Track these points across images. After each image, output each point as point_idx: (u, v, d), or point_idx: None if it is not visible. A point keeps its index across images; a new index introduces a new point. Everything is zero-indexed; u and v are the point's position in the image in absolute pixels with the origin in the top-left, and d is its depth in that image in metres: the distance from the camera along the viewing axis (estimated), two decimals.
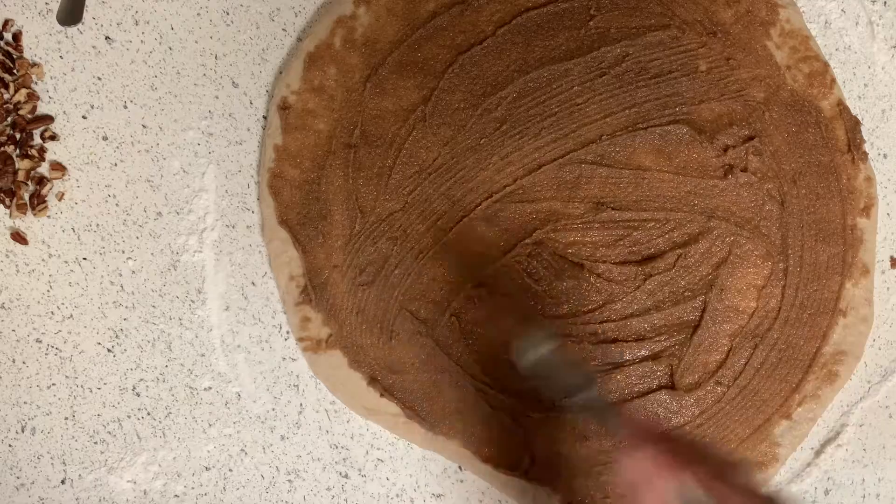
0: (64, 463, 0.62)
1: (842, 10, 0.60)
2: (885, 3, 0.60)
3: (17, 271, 0.60)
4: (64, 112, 0.60)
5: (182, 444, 0.62)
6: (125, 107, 0.60)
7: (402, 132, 0.58)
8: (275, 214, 0.59)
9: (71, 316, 0.61)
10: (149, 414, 0.61)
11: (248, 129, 0.61)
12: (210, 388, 0.61)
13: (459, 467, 0.62)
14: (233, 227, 0.61)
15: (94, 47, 0.60)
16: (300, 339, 0.60)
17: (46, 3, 0.59)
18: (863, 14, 0.61)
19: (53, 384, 0.61)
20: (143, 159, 0.60)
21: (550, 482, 0.59)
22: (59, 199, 0.60)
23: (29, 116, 0.60)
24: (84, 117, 0.60)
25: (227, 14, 0.60)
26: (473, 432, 0.59)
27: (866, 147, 0.59)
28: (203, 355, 0.61)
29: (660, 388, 0.59)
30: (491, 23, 0.58)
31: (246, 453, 0.62)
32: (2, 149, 0.60)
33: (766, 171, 0.58)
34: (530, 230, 0.58)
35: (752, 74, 0.58)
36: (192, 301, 0.61)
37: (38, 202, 0.60)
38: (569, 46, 0.58)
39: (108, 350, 0.61)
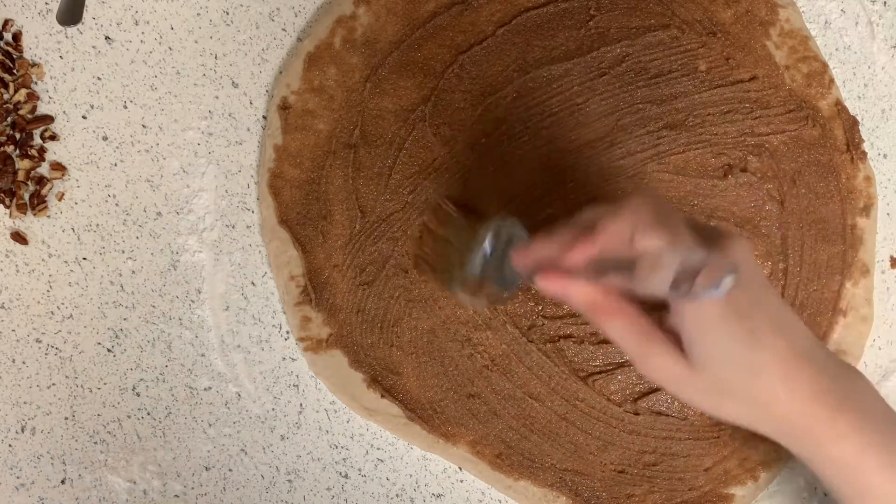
0: (64, 463, 0.62)
1: (842, 10, 0.61)
2: (885, 3, 0.60)
3: (17, 271, 0.61)
4: (64, 112, 0.60)
5: (182, 444, 0.62)
6: (125, 107, 0.60)
7: (402, 132, 0.58)
8: (275, 214, 0.59)
9: (71, 316, 0.61)
10: (149, 414, 0.62)
11: (248, 129, 0.61)
12: (210, 388, 0.61)
13: (459, 468, 0.62)
14: (232, 227, 0.61)
15: (94, 47, 0.60)
16: (300, 339, 0.60)
17: (46, 3, 0.59)
18: (863, 14, 0.61)
19: (53, 384, 0.61)
20: (143, 159, 0.60)
21: None
22: (59, 199, 0.60)
23: (29, 116, 0.60)
24: (84, 117, 0.60)
25: (227, 14, 0.60)
26: (487, 433, 0.59)
27: (865, 147, 0.59)
28: (203, 355, 0.61)
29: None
30: (491, 23, 0.58)
31: (246, 453, 0.62)
32: (2, 149, 0.60)
33: (766, 171, 0.58)
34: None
35: (751, 74, 0.58)
36: (192, 301, 0.61)
37: (38, 202, 0.60)
38: (569, 46, 0.58)
39: (108, 350, 0.61)
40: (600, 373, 0.59)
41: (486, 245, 0.49)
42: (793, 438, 0.46)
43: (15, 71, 0.60)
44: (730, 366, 0.43)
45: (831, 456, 0.45)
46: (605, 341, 0.58)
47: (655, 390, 0.59)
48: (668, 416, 0.59)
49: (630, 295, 0.43)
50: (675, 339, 0.44)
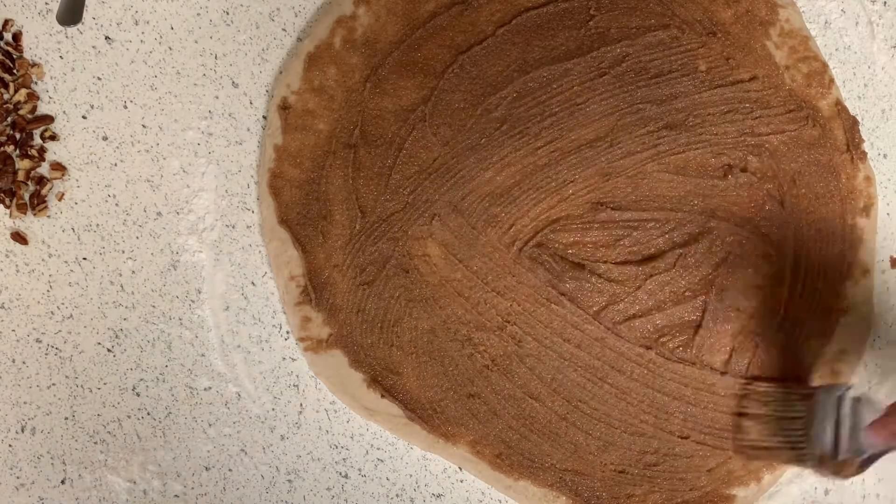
0: (64, 463, 0.62)
1: (842, 10, 0.61)
2: (885, 3, 0.60)
3: (17, 271, 0.61)
4: (64, 112, 0.60)
5: (182, 444, 0.62)
6: (125, 107, 0.60)
7: (402, 132, 0.58)
8: (275, 214, 0.59)
9: (71, 316, 0.61)
10: (149, 414, 0.61)
11: (248, 129, 0.61)
12: (210, 388, 0.61)
13: (459, 468, 0.61)
14: (232, 227, 0.61)
15: (94, 47, 0.60)
16: (300, 339, 0.60)
17: (46, 3, 0.59)
18: (863, 14, 0.61)
19: (53, 384, 0.61)
20: (143, 159, 0.60)
21: None
22: (59, 199, 0.60)
23: (29, 116, 0.60)
24: (84, 117, 0.60)
25: (227, 14, 0.60)
26: (488, 434, 0.59)
27: (865, 147, 0.59)
28: (203, 355, 0.61)
29: None
30: (491, 23, 0.58)
31: (246, 453, 0.62)
32: (2, 149, 0.60)
33: (766, 171, 0.58)
34: (533, 231, 0.58)
35: (751, 74, 0.58)
36: (192, 301, 0.61)
37: (38, 202, 0.60)
38: (569, 46, 0.58)
39: (108, 350, 0.61)
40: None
41: (830, 417, 0.49)
42: None
43: (15, 71, 0.60)
44: None
45: None
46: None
47: None
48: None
49: None
50: None
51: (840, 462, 0.50)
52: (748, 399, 0.56)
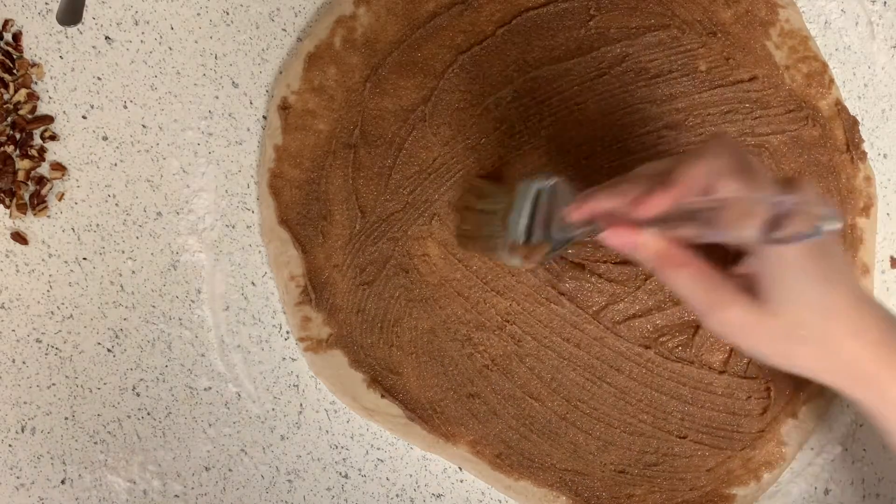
0: (64, 463, 0.62)
1: (842, 10, 0.61)
2: (885, 3, 0.61)
3: (17, 271, 0.61)
4: (64, 112, 0.60)
5: (182, 444, 0.62)
6: (125, 107, 0.60)
7: (402, 132, 0.58)
8: (275, 214, 0.59)
9: (71, 316, 0.61)
10: (149, 414, 0.62)
11: (248, 129, 0.61)
12: (210, 388, 0.61)
13: (459, 468, 0.62)
14: (232, 226, 0.61)
15: (94, 47, 0.60)
16: (300, 339, 0.60)
17: (46, 3, 0.59)
18: (863, 14, 0.61)
19: (53, 384, 0.61)
20: (143, 159, 0.60)
21: None
22: (59, 199, 0.60)
23: (29, 116, 0.60)
24: (84, 117, 0.60)
25: (227, 14, 0.60)
26: (487, 433, 0.59)
27: (865, 147, 0.59)
28: (203, 355, 0.61)
29: None
30: (491, 23, 0.58)
31: (246, 453, 0.62)
32: (2, 149, 0.60)
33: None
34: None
35: (751, 74, 0.58)
36: (192, 301, 0.61)
37: (38, 202, 0.60)
38: (569, 46, 0.58)
39: (108, 350, 0.61)
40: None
41: (527, 206, 0.49)
42: (858, 383, 0.46)
43: (15, 71, 0.60)
44: (806, 308, 0.43)
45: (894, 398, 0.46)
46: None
47: None
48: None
49: (695, 247, 0.44)
50: (744, 289, 0.44)
51: (531, 247, 0.50)
52: (468, 193, 0.57)
